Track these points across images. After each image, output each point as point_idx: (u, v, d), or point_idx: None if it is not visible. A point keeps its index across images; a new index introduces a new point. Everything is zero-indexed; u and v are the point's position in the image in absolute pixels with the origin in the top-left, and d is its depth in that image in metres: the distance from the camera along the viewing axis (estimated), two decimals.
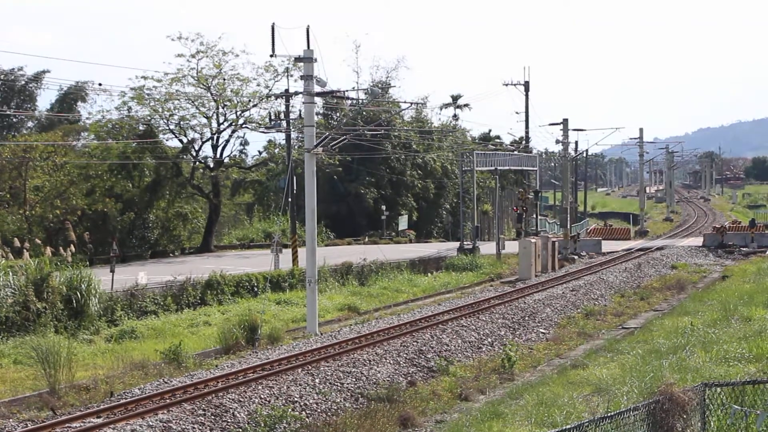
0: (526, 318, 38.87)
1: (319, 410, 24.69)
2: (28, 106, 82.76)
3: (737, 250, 68.55)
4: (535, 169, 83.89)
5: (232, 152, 71.89)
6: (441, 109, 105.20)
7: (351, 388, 26.76)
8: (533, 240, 56.58)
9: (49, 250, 38.33)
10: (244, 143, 73.69)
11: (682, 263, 61.21)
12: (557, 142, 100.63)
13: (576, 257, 66.45)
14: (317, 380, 26.63)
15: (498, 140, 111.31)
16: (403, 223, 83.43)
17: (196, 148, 67.49)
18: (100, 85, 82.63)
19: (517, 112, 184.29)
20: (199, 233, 71.45)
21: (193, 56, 63.75)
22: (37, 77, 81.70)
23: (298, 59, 36.62)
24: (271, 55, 40.87)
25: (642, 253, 67.54)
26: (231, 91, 64.51)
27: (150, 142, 63.57)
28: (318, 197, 38.36)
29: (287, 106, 57.93)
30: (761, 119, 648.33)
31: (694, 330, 30.91)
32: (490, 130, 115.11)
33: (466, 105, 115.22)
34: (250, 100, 64.94)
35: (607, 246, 73.28)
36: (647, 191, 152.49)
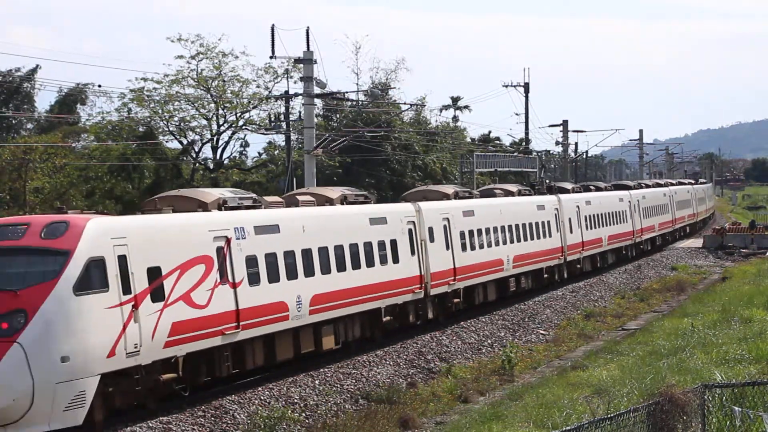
0: (526, 319, 38.84)
1: (319, 411, 24.68)
2: (27, 107, 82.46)
3: (737, 252, 68.41)
4: (534, 170, 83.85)
5: (232, 154, 71.81)
6: (441, 111, 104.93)
7: (351, 389, 26.75)
8: None
9: None
10: (244, 145, 73.56)
11: (682, 265, 61.09)
12: (557, 143, 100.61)
13: None
14: (317, 381, 26.63)
15: (498, 142, 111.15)
16: None
17: (196, 149, 67.47)
18: (99, 86, 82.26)
19: (516, 114, 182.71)
20: None
21: (192, 58, 63.74)
22: (29, 76, 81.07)
23: (298, 61, 36.71)
24: (271, 57, 41.08)
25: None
26: (231, 92, 64.51)
27: (150, 144, 63.50)
28: None
29: (287, 108, 57.89)
30: (761, 120, 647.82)
31: (694, 331, 30.90)
32: (489, 132, 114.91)
33: (466, 107, 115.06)
34: (249, 102, 64.92)
35: None
36: None
